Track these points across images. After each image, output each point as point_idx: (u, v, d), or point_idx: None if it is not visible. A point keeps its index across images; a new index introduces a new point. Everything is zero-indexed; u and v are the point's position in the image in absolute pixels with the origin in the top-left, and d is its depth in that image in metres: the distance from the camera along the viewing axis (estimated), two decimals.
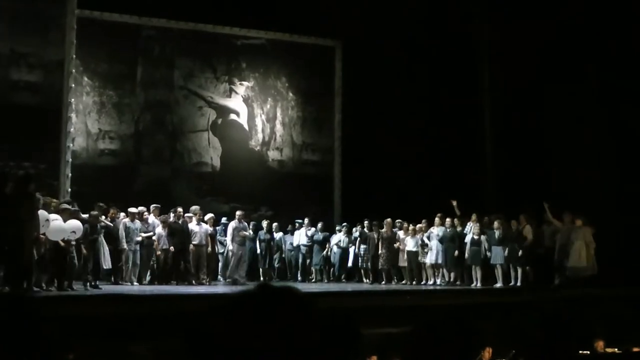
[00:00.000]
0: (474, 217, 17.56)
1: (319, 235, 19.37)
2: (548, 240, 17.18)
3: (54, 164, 18.21)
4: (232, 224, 17.57)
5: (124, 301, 12.52)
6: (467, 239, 17.39)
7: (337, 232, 19.73)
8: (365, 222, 19.10)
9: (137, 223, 16.50)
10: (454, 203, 17.75)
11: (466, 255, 17.36)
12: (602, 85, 18.31)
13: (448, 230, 17.64)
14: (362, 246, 18.90)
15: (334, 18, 20.55)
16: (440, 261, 17.64)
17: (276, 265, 19.59)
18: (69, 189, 18.27)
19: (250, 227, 18.60)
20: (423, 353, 3.56)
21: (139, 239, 16.36)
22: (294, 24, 21.16)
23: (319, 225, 19.54)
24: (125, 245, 16.00)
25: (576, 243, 16.52)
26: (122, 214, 16.44)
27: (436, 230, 17.78)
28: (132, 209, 16.50)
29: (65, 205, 13.87)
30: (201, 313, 1.78)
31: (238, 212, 17.86)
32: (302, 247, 19.44)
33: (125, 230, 16.15)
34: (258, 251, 19.01)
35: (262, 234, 19.08)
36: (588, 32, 18.46)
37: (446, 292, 16.49)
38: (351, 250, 19.23)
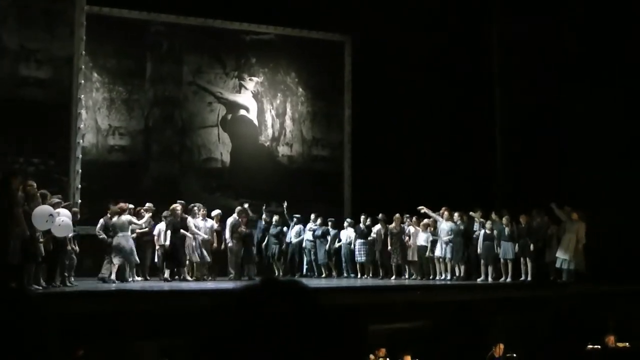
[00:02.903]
0: (479, 212, 17.58)
1: (319, 231, 19.35)
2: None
3: (64, 160, 18.23)
4: (230, 220, 17.56)
5: (129, 298, 12.50)
6: (480, 234, 17.37)
7: (344, 228, 19.69)
8: (362, 217, 19.19)
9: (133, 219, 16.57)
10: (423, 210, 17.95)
11: (479, 250, 17.35)
12: (616, 84, 18.23)
13: (455, 224, 17.62)
14: (359, 241, 18.91)
15: (343, 13, 20.53)
16: (449, 256, 17.62)
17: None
18: (79, 185, 18.30)
19: (263, 220, 18.84)
20: (434, 349, 3.53)
21: (134, 235, 16.38)
22: (304, 19, 21.15)
23: (319, 220, 19.49)
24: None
25: (567, 235, 16.57)
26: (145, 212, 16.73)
27: (444, 225, 17.75)
28: (129, 205, 16.54)
29: (57, 199, 13.91)
30: (206, 309, 1.75)
31: (237, 208, 17.88)
32: (307, 242, 19.42)
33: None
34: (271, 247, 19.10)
35: (272, 229, 19.12)
36: (596, 32, 18.43)
37: (456, 288, 16.46)
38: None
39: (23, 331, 1.90)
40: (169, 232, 16.52)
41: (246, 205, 18.49)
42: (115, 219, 15.82)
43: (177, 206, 16.90)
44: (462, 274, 17.53)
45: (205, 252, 16.86)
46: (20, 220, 12.01)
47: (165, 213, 16.95)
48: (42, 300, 2.01)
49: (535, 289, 15.84)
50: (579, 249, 16.52)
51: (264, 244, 19.13)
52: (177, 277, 16.67)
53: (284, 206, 19.53)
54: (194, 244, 16.77)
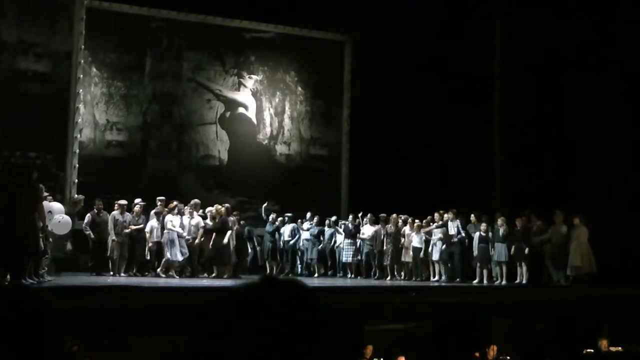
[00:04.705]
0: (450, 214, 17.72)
1: (314, 230, 19.38)
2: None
3: (61, 154, 18.25)
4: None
5: (124, 293, 12.50)
6: (475, 237, 17.40)
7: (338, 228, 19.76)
8: (350, 217, 19.30)
9: (127, 215, 16.60)
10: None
11: (474, 253, 17.38)
12: (619, 83, 18.21)
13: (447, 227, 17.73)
14: (346, 240, 18.96)
15: (343, 13, 20.51)
16: (438, 257, 17.71)
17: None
18: (76, 180, 18.32)
19: (271, 219, 19.15)
20: (428, 350, 3.54)
21: (127, 231, 16.42)
22: (304, 18, 21.14)
23: (315, 219, 19.53)
24: (113, 237, 16.15)
25: (572, 242, 16.60)
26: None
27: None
28: (121, 201, 16.53)
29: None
30: (204, 306, 1.76)
31: (226, 205, 17.90)
32: (304, 241, 19.45)
33: (113, 222, 16.29)
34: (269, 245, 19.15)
35: (268, 226, 19.14)
36: (597, 31, 18.41)
37: (451, 290, 16.46)
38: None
39: (33, 327, 1.92)
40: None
41: (265, 205, 19.42)
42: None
43: (221, 207, 17.34)
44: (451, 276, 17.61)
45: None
46: (43, 213, 12.11)
47: (157, 209, 16.97)
48: (50, 296, 2.02)
49: (530, 292, 15.84)
50: (582, 254, 16.51)
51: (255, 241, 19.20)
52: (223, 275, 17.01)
53: (264, 206, 19.52)
54: (232, 243, 17.16)
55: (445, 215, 17.86)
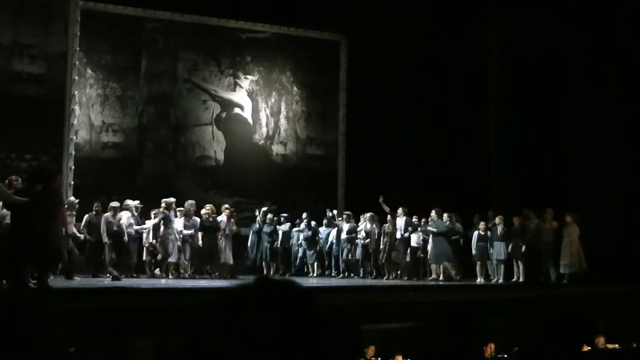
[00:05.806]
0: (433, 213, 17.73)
1: (307, 233, 19.38)
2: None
3: (57, 156, 18.21)
4: (222, 218, 17.58)
5: (121, 295, 12.49)
6: (474, 235, 17.43)
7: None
8: (345, 215, 19.29)
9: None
10: (381, 199, 17.96)
11: (473, 251, 17.40)
12: (616, 83, 18.21)
13: (443, 225, 17.73)
14: (345, 238, 19.00)
15: (339, 12, 20.49)
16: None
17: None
18: (72, 182, 18.28)
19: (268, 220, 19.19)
20: (425, 349, 3.54)
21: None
22: (299, 18, 21.13)
23: (304, 221, 19.51)
24: (106, 239, 16.04)
25: (564, 240, 16.69)
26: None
27: (399, 221, 17.94)
28: (113, 203, 16.41)
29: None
30: (200, 307, 1.76)
31: (225, 206, 17.87)
32: (303, 242, 19.46)
33: (106, 224, 16.15)
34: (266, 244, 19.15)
35: (266, 227, 19.13)
36: (596, 30, 18.41)
37: (448, 288, 16.46)
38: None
39: (31, 329, 1.92)
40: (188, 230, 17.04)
41: (265, 208, 19.34)
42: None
43: (212, 206, 17.45)
44: (446, 275, 17.64)
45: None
46: (64, 216, 12.21)
47: (155, 210, 16.93)
48: (48, 298, 2.02)
49: (527, 290, 15.86)
50: (572, 252, 16.55)
51: (249, 242, 19.17)
52: (209, 275, 17.19)
53: (263, 209, 19.52)
54: (223, 244, 17.19)
55: (399, 211, 17.97)
